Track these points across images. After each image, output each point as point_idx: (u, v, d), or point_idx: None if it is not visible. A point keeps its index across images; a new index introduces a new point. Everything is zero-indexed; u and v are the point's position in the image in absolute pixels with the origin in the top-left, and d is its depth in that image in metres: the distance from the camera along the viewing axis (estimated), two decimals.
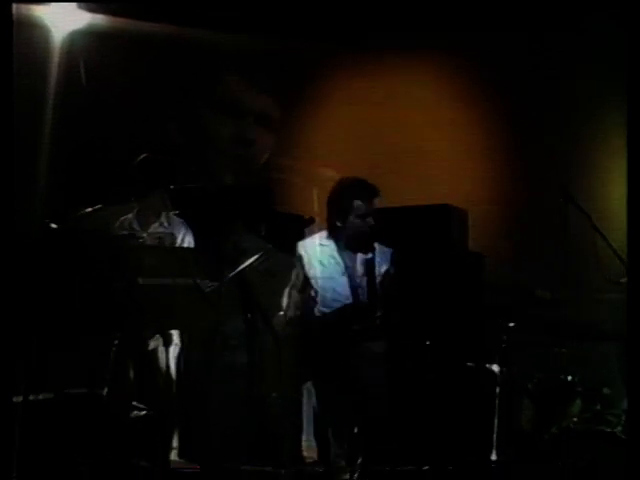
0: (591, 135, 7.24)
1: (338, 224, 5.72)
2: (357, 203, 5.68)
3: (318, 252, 5.70)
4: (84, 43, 7.47)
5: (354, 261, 5.71)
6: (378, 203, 5.76)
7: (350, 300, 5.61)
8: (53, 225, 5.10)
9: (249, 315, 6.21)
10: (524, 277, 6.32)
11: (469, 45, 7.58)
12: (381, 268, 5.72)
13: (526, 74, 7.44)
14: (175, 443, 6.33)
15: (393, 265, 5.77)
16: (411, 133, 7.87)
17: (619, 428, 4.82)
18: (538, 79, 7.39)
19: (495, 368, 5.24)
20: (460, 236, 6.46)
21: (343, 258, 5.70)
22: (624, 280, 5.26)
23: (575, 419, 5.04)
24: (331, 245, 5.72)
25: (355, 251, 5.73)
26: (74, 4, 7.38)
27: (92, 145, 7.47)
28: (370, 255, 5.66)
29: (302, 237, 6.03)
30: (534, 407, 5.21)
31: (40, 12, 7.28)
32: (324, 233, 5.82)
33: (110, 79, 7.60)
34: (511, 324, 5.23)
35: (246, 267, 5.55)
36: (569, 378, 5.17)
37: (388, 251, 5.85)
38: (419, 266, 6.21)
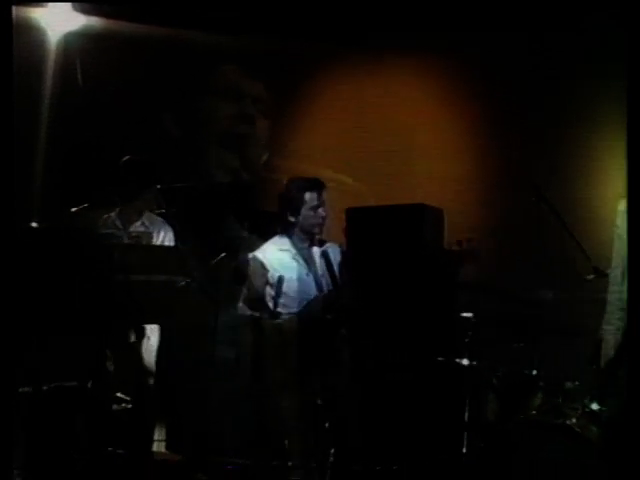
0: (589, 135, 7.24)
1: (291, 219, 5.84)
2: (308, 195, 5.82)
3: (280, 257, 5.82)
4: (80, 44, 7.60)
5: (312, 257, 5.84)
6: (325, 196, 5.88)
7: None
8: (33, 224, 5.24)
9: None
10: (492, 274, 6.43)
11: (469, 45, 7.58)
12: (336, 259, 5.85)
13: (526, 74, 7.41)
14: (163, 435, 6.50)
15: (345, 258, 5.90)
16: (409, 133, 7.88)
17: (574, 420, 4.89)
18: (538, 79, 7.37)
19: (465, 362, 5.33)
20: (435, 235, 6.52)
21: (304, 257, 5.82)
22: (591, 277, 5.41)
23: (534, 412, 5.12)
24: (290, 248, 5.84)
25: (310, 245, 5.86)
26: (70, 7, 7.53)
27: (87, 145, 7.60)
28: (325, 247, 5.83)
29: None
30: (498, 401, 5.29)
31: (36, 14, 7.42)
32: (277, 236, 5.94)
33: (107, 79, 7.74)
34: (474, 320, 5.32)
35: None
36: (534, 372, 5.24)
37: (337, 245, 6.01)
38: (390, 264, 6.30)
